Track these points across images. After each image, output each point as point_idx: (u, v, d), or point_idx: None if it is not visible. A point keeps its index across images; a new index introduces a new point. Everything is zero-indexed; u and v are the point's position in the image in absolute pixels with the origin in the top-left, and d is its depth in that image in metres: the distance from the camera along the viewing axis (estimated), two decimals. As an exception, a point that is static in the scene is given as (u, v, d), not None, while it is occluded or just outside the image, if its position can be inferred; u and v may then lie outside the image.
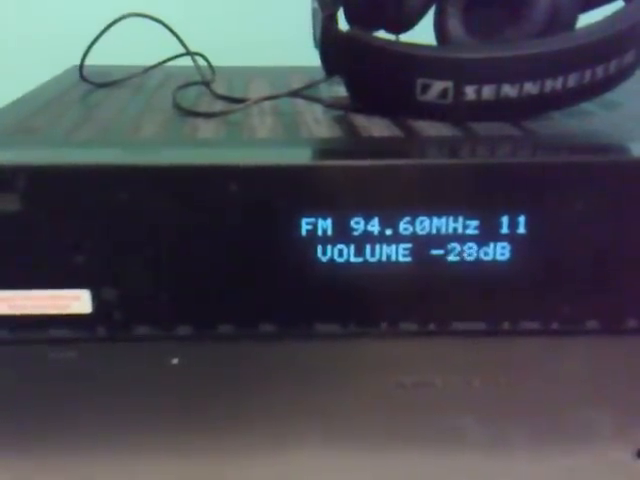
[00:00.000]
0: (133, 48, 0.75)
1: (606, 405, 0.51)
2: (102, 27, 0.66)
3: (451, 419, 0.51)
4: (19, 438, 0.49)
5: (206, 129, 0.54)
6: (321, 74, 0.59)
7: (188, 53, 0.66)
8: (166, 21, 0.68)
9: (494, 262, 0.48)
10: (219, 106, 0.60)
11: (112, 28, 0.66)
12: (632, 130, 0.55)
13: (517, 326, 0.50)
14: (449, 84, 0.53)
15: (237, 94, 0.62)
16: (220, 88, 0.65)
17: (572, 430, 0.51)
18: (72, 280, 0.47)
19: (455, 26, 0.57)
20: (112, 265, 0.47)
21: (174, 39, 0.68)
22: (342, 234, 0.47)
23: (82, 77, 0.67)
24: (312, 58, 0.60)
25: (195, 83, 0.65)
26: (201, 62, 0.68)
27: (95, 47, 0.67)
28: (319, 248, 0.47)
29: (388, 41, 0.55)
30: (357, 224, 0.47)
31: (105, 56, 0.68)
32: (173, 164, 0.47)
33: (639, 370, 0.50)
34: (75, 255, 0.46)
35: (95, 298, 0.47)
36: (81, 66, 0.67)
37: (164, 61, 0.69)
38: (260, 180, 0.47)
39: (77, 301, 0.47)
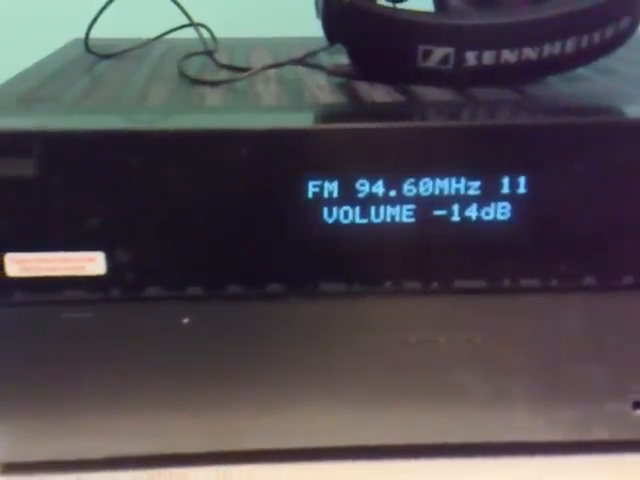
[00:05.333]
0: (132, 22, 0.76)
1: (603, 359, 0.52)
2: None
3: (454, 375, 0.52)
4: (34, 397, 0.51)
5: (213, 97, 0.55)
6: (320, 45, 0.60)
7: (192, 24, 0.67)
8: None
9: (495, 221, 0.49)
10: (223, 75, 0.61)
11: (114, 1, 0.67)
12: (628, 93, 0.57)
13: (517, 283, 0.50)
14: (450, 50, 0.53)
15: (240, 64, 0.63)
16: (223, 58, 0.65)
17: (571, 384, 0.52)
18: (86, 243, 0.48)
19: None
20: (125, 228, 0.48)
21: (173, 14, 0.68)
22: (347, 196, 0.48)
23: (87, 49, 0.68)
24: (311, 29, 0.61)
25: (199, 53, 0.65)
26: (204, 33, 0.69)
27: (96, 20, 0.68)
28: (325, 210, 0.48)
29: (390, 8, 0.56)
30: (362, 186, 0.48)
31: (106, 29, 0.68)
32: (184, 129, 0.48)
33: (635, 325, 0.52)
34: (89, 218, 0.47)
35: (109, 260, 0.48)
36: (86, 38, 0.68)
37: (168, 32, 0.70)
38: (268, 144, 0.47)
39: (91, 263, 0.48)
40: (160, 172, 0.47)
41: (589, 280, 0.51)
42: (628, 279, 0.51)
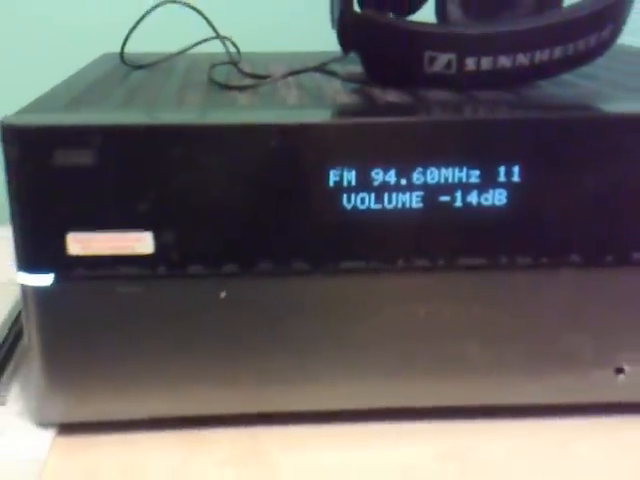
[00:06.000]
0: (158, 36, 0.81)
1: (589, 329, 0.57)
2: (119, 15, 0.72)
3: (457, 343, 0.57)
4: (89, 363, 0.56)
5: (242, 99, 0.60)
6: (333, 58, 0.65)
7: (218, 37, 0.73)
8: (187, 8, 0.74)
9: (493, 206, 0.54)
10: (249, 82, 0.66)
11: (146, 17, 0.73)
12: (607, 94, 0.61)
13: (512, 261, 0.55)
14: (452, 56, 0.58)
15: (261, 74, 0.68)
16: (246, 69, 0.70)
17: (560, 353, 0.57)
18: (137, 224, 0.53)
19: (453, 9, 0.64)
20: (171, 212, 0.53)
21: (198, 27, 0.73)
22: (364, 184, 0.53)
23: (122, 60, 0.74)
24: (324, 45, 0.67)
25: (225, 63, 0.71)
26: (229, 46, 0.74)
27: (122, 35, 0.73)
28: (344, 197, 0.53)
29: (399, 20, 0.61)
30: (377, 175, 0.53)
31: (135, 43, 0.74)
32: (221, 123, 0.53)
33: (617, 299, 0.57)
34: (140, 202, 0.52)
35: (156, 240, 0.53)
36: (122, 51, 0.74)
37: (195, 44, 0.75)
38: (294, 137, 0.53)
39: (141, 243, 0.53)
40: (201, 162, 0.52)
41: (575, 258, 0.56)
42: (609, 257, 0.56)
